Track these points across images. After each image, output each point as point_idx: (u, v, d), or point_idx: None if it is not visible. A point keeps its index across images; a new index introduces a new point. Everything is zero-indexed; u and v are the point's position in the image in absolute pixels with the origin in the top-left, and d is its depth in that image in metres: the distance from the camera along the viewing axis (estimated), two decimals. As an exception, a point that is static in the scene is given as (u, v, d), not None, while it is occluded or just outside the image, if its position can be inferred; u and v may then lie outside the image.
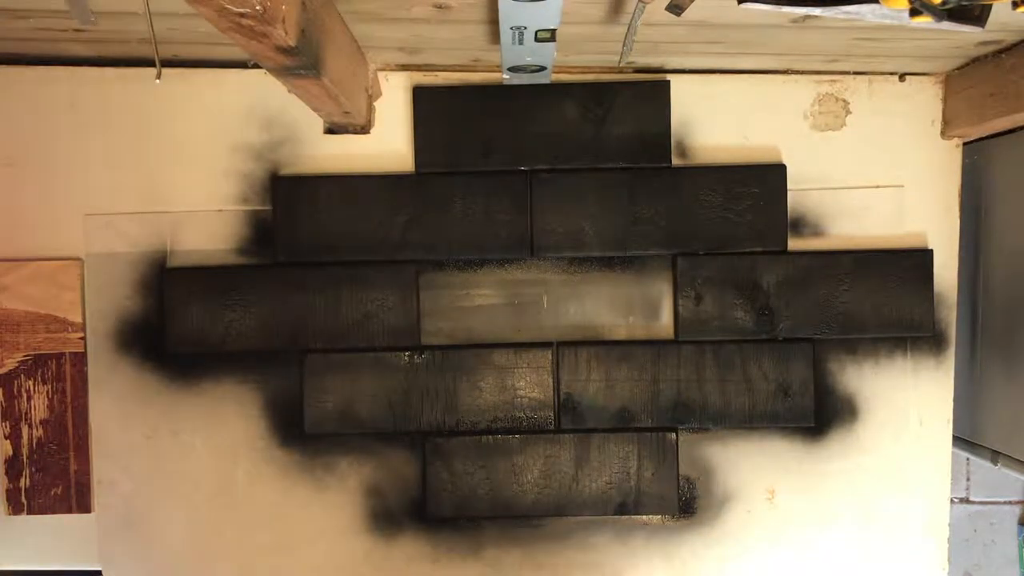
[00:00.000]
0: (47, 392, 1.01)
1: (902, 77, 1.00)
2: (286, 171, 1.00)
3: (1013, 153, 1.06)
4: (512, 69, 0.84)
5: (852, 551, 1.02)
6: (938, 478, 1.02)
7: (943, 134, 1.00)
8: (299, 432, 1.00)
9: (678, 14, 0.70)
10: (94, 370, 1.01)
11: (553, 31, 0.72)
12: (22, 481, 1.01)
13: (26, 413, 1.01)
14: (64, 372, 1.01)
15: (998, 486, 1.80)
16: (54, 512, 1.02)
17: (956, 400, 1.02)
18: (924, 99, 1.00)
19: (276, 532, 1.01)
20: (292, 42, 0.61)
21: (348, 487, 1.01)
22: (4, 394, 1.00)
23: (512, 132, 0.99)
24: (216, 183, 1.00)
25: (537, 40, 0.74)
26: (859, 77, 1.00)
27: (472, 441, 1.00)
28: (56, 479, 1.01)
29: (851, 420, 1.01)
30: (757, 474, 1.01)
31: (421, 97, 0.99)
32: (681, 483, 1.01)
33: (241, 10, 0.53)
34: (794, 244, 1.00)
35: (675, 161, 1.00)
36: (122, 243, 1.00)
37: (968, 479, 1.80)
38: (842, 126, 1.00)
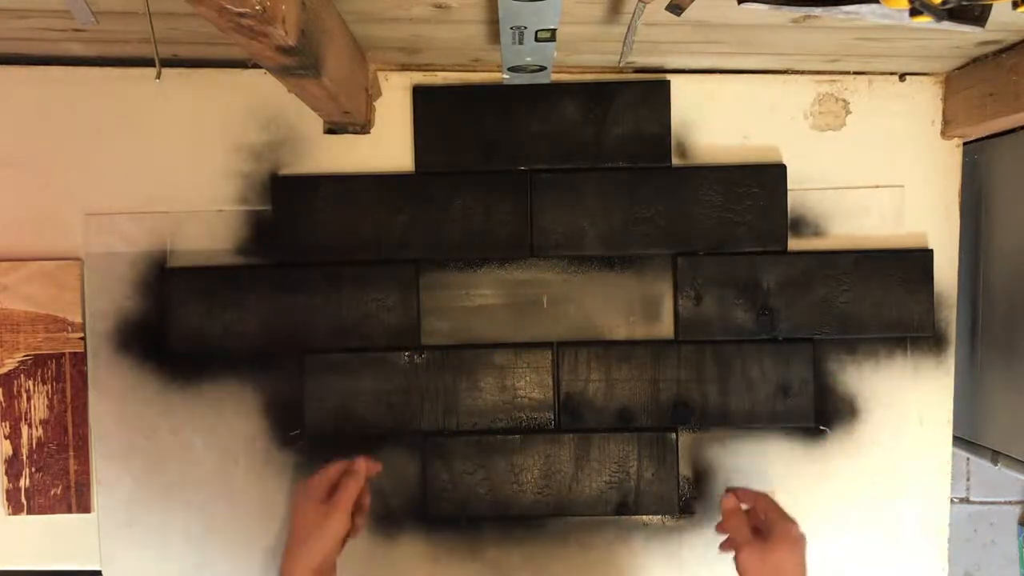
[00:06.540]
0: (47, 392, 1.01)
1: (902, 77, 1.00)
2: (286, 171, 1.00)
3: (1013, 153, 1.06)
4: (512, 69, 0.84)
5: (852, 551, 1.02)
6: (938, 478, 1.02)
7: (943, 134, 1.00)
8: (299, 432, 1.00)
9: (678, 14, 0.70)
10: (94, 370, 1.01)
11: (553, 31, 0.72)
12: (22, 481, 1.01)
13: (26, 413, 1.01)
14: (64, 372, 1.01)
15: (998, 486, 1.80)
16: (54, 512, 1.02)
17: (956, 400, 1.02)
18: (924, 99, 1.00)
19: (276, 532, 1.01)
20: (292, 42, 0.61)
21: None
22: (4, 394, 1.00)
23: (512, 132, 0.99)
24: (216, 183, 1.00)
25: (537, 40, 0.74)
26: (859, 77, 1.00)
27: (472, 441, 1.00)
28: (56, 479, 1.01)
29: (851, 420, 1.01)
30: (757, 474, 1.01)
31: (421, 97, 0.99)
32: (681, 483, 1.01)
33: (241, 10, 0.53)
34: (794, 244, 1.00)
35: (675, 161, 1.00)
36: (122, 243, 1.00)
37: (968, 479, 1.81)
38: (842, 126, 1.00)
